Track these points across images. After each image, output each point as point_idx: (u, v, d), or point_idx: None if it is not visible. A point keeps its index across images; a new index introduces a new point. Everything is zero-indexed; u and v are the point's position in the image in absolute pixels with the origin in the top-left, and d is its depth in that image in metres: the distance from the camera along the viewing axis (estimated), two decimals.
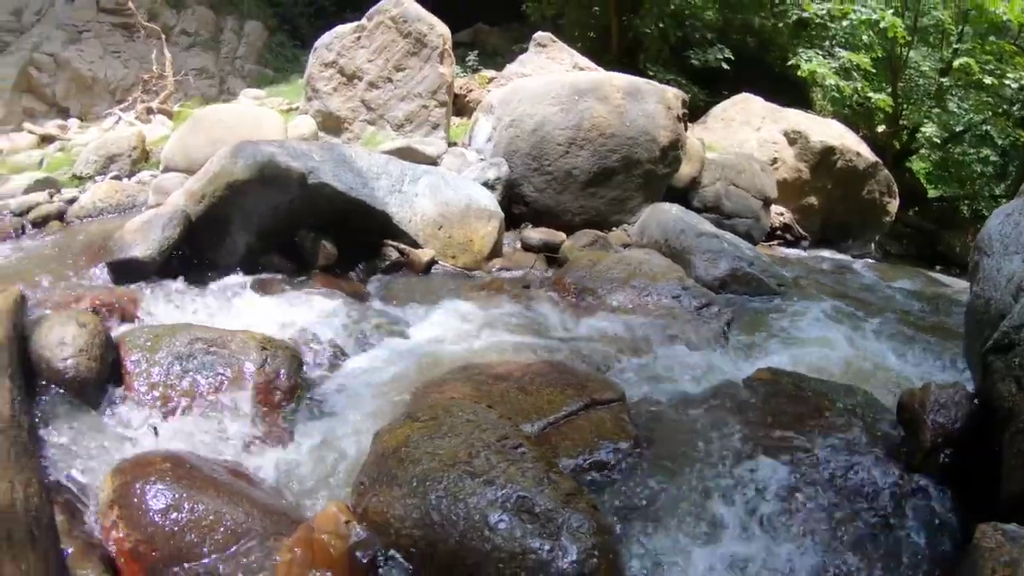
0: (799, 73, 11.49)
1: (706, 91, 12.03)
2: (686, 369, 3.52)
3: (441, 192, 5.13)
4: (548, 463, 2.23)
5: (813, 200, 9.68)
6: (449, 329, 3.89)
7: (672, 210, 6.14)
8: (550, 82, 6.48)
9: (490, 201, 5.42)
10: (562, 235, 5.94)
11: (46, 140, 10.77)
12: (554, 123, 6.16)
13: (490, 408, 2.59)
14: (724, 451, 2.61)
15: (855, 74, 11.68)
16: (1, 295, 3.04)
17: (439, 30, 6.74)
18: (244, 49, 16.74)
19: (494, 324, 4.00)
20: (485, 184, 5.75)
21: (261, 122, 5.33)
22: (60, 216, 5.50)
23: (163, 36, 11.04)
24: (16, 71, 14.75)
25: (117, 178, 6.52)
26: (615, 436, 2.69)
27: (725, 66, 11.78)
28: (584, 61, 9.44)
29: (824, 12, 12.00)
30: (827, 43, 12.31)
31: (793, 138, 9.64)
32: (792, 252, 8.57)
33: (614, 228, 6.32)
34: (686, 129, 7.22)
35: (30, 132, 11.21)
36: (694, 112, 11.42)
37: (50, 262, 4.37)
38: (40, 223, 5.44)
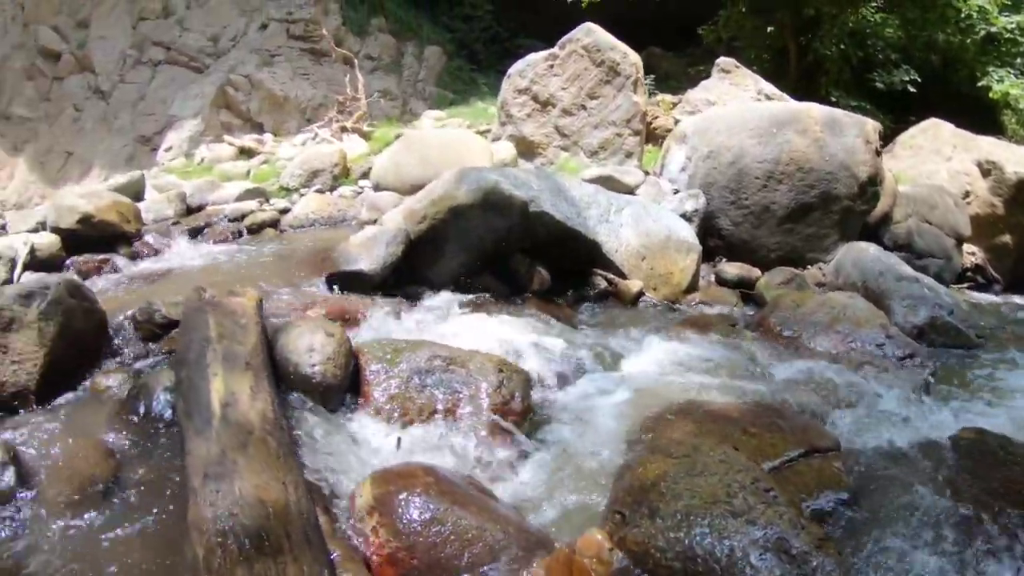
0: (990, 95, 10.83)
1: (890, 116, 11.53)
2: (891, 421, 3.42)
3: (643, 223, 5.15)
4: (797, 508, 2.28)
5: (1007, 239, 9.06)
6: (662, 363, 3.89)
7: (870, 250, 5.91)
8: (747, 112, 6.38)
9: (689, 233, 5.39)
10: (757, 271, 5.84)
11: (244, 152, 11.55)
12: (752, 155, 6.06)
13: (736, 450, 2.61)
14: (937, 512, 2.53)
15: None
16: (246, 297, 3.22)
17: (631, 59, 6.79)
18: (424, 73, 17.44)
19: (705, 361, 3.97)
20: (683, 216, 5.72)
21: (468, 146, 5.53)
22: (274, 224, 5.83)
23: (355, 60, 11.52)
24: (215, 89, 15.90)
25: (320, 192, 6.89)
26: (834, 485, 2.66)
27: (911, 88, 11.28)
28: (769, 87, 9.25)
29: (1013, 25, 11.30)
30: (1019, 60, 11.56)
31: (987, 169, 9.08)
32: (984, 297, 8.02)
33: (809, 266, 6.15)
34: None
35: (230, 144, 12.09)
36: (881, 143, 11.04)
37: (273, 268, 4.60)
38: (255, 229, 5.76)
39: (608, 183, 5.87)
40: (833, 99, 11.37)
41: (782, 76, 13.04)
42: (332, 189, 7.05)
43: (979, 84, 11.04)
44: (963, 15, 11.52)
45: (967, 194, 9.00)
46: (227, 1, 17.57)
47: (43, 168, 16.99)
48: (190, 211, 6.56)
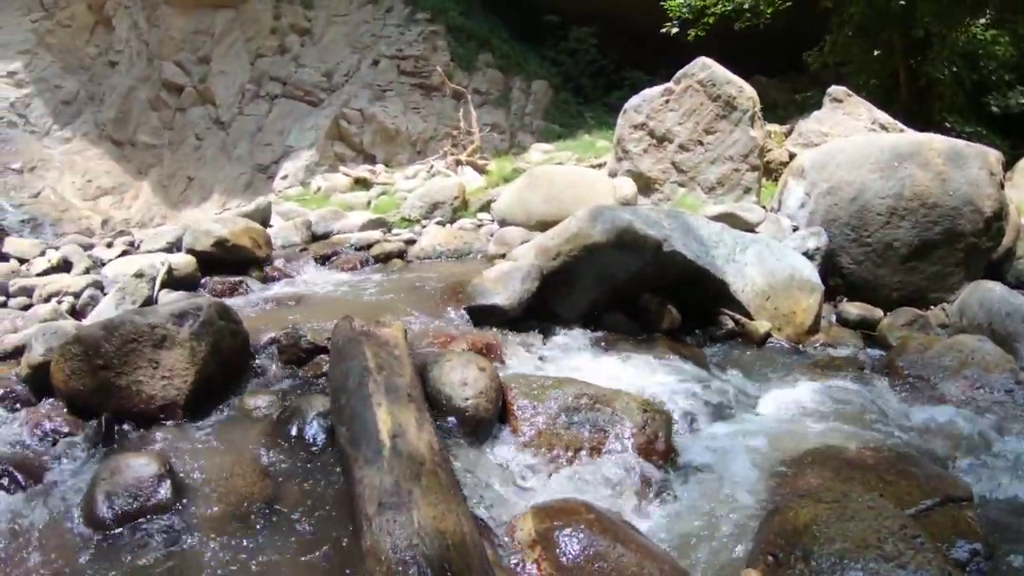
0: None
1: (1008, 141, 11.15)
2: (1022, 471, 3.36)
3: (767, 261, 5.17)
4: (943, 555, 2.32)
5: None
6: (794, 406, 3.89)
7: (996, 289, 5.75)
8: (866, 145, 6.31)
9: (812, 272, 5.38)
10: (880, 312, 5.76)
11: (358, 182, 11.99)
12: (874, 191, 5.98)
13: (882, 496, 2.65)
14: None
15: None
16: (395, 327, 3.33)
17: (748, 93, 6.83)
18: (532, 106, 17.76)
19: (836, 405, 3.95)
20: (805, 254, 5.70)
21: (593, 183, 5.67)
22: (401, 255, 5.99)
23: (468, 94, 11.84)
24: (329, 122, 16.58)
25: (440, 223, 7.14)
26: (968, 535, 2.68)
27: None
28: (883, 116, 9.12)
29: None
30: None
31: None
32: None
33: (932, 306, 6.03)
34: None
35: (345, 175, 12.56)
36: None
37: (405, 298, 4.72)
38: (382, 259, 5.93)
39: (730, 220, 5.90)
40: (948, 125, 11.09)
41: (893, 101, 12.74)
42: (452, 221, 7.29)
43: None
44: None
45: None
46: (340, 39, 18.33)
47: (166, 191, 17.97)
48: (315, 238, 6.87)
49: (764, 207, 7.07)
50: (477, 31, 18.30)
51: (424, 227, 7.06)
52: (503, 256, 5.24)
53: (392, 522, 2.19)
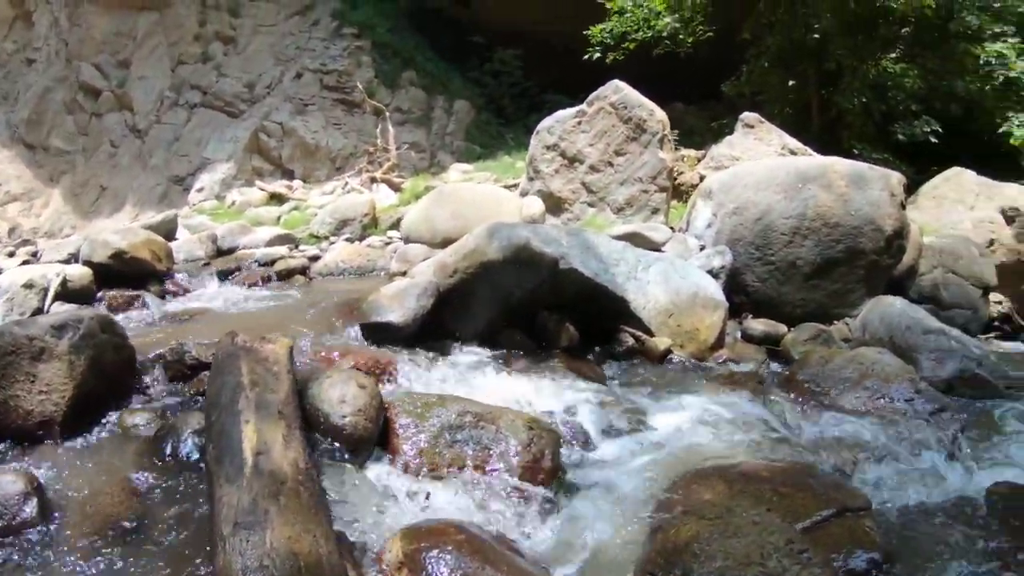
0: (1011, 141, 10.84)
1: (913, 167, 11.55)
2: (922, 478, 3.41)
3: (671, 279, 5.19)
4: (831, 569, 2.34)
5: None
6: (691, 422, 3.88)
7: (896, 304, 5.90)
8: (773, 168, 6.43)
9: (716, 290, 5.42)
10: (783, 327, 5.84)
11: (274, 197, 11.82)
12: (778, 211, 6.09)
13: (769, 511, 2.66)
14: (968, 570, 2.58)
15: None
16: (278, 344, 3.23)
17: (658, 116, 6.90)
18: (453, 126, 17.78)
19: (733, 420, 3.96)
20: (710, 272, 5.75)
21: (499, 201, 5.63)
22: (304, 271, 5.90)
23: (387, 112, 11.76)
24: (248, 135, 16.33)
25: (349, 240, 7.03)
26: (866, 545, 2.65)
27: (933, 139, 11.33)
28: (793, 142, 9.32)
29: None
30: None
31: (1011, 216, 9.09)
32: (1012, 346, 7.99)
33: (835, 321, 6.15)
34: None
35: (261, 189, 12.36)
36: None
37: (303, 314, 4.64)
38: (285, 275, 5.84)
39: (635, 240, 5.93)
40: (856, 152, 11.42)
41: (805, 130, 13.08)
42: (361, 238, 7.19)
43: (1000, 130, 11.05)
44: (982, 62, 11.60)
45: (992, 242, 8.99)
46: (264, 49, 18.08)
47: (77, 200, 17.42)
48: (220, 253, 6.71)
49: (672, 228, 7.14)
50: (402, 49, 18.29)
51: (332, 243, 6.95)
52: (404, 273, 5.18)
53: (245, 542, 2.14)
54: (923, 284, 7.57)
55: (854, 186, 6.20)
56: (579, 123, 7.15)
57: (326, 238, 7.05)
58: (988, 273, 7.91)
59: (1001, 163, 11.55)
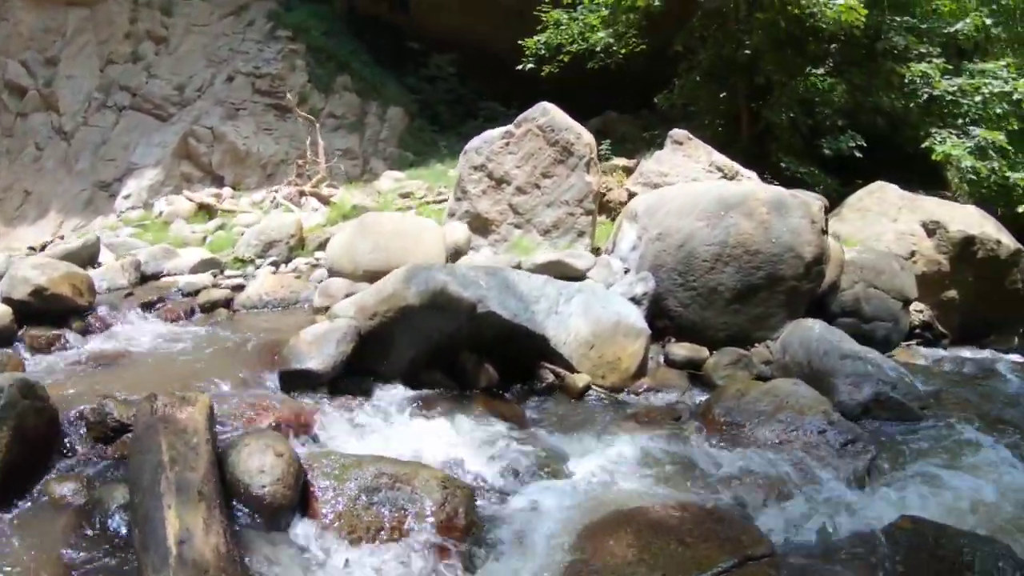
0: (933, 156, 11.23)
1: (838, 179, 11.87)
2: (829, 514, 3.51)
3: (593, 310, 5.27)
4: None
5: (953, 293, 9.37)
6: (607, 466, 3.95)
7: (815, 328, 6.06)
8: (696, 195, 6.55)
9: (638, 318, 5.52)
10: (705, 352, 5.98)
11: (202, 208, 11.60)
12: (700, 239, 6.23)
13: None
14: None
15: (991, 152, 11.25)
16: (197, 405, 3.20)
17: (585, 139, 6.97)
18: (386, 133, 17.65)
19: (649, 460, 4.06)
20: (633, 299, 5.85)
21: (421, 232, 5.62)
22: (227, 303, 5.81)
23: (317, 124, 11.63)
24: (177, 139, 15.98)
25: (275, 264, 6.95)
26: None
27: (858, 154, 11.65)
28: (720, 158, 9.51)
29: (955, 88, 11.72)
30: (960, 120, 11.99)
31: (931, 229, 9.41)
32: (931, 352, 8.32)
33: (756, 344, 6.31)
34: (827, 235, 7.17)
35: (188, 199, 12.10)
36: (828, 202, 11.33)
37: (223, 359, 4.61)
38: (208, 308, 5.75)
39: (559, 268, 6.01)
40: (783, 166, 11.71)
41: (735, 141, 13.36)
42: (287, 261, 7.12)
43: (923, 146, 11.42)
44: (907, 80, 11.99)
45: (913, 253, 9.29)
46: (197, 50, 17.69)
47: (0, 205, 16.82)
48: (144, 279, 6.58)
49: (599, 249, 7.24)
50: (337, 53, 18.11)
51: (258, 267, 6.87)
52: (327, 309, 5.18)
53: None
54: (845, 299, 7.80)
55: (775, 213, 6.36)
56: (507, 144, 7.18)
57: (251, 261, 6.93)
58: (908, 286, 8.18)
59: (924, 173, 11.98)
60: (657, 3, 11.20)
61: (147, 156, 16.04)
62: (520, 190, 7.09)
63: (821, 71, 12.60)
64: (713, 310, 6.25)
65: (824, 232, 6.76)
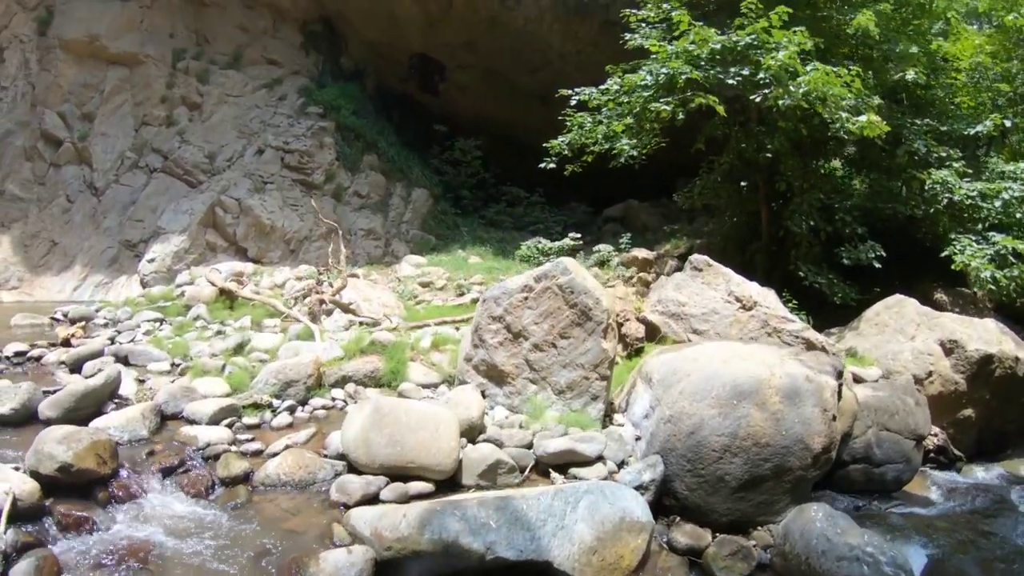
0: (952, 267, 11.31)
1: (856, 287, 11.96)
2: None
3: (598, 510, 5.38)
4: None
5: (969, 412, 9.48)
6: None
7: (816, 520, 6.09)
8: (711, 375, 6.63)
9: (643, 512, 5.61)
10: (708, 537, 6.09)
11: (224, 293, 11.78)
12: (711, 428, 6.35)
13: None
14: None
15: (1011, 259, 11.33)
16: None
17: (604, 305, 7.09)
18: (410, 214, 18.11)
19: None
20: (640, 487, 5.99)
21: (439, 427, 5.72)
22: (246, 477, 5.89)
23: (339, 230, 11.83)
24: (205, 208, 16.34)
25: (291, 409, 7.06)
26: None
27: (877, 264, 11.73)
28: (739, 288, 9.54)
29: (975, 193, 11.83)
30: (979, 225, 12.06)
31: (949, 348, 9.52)
32: (945, 479, 8.43)
33: (759, 527, 6.40)
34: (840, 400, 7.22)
35: (211, 283, 12.28)
36: (846, 313, 11.41)
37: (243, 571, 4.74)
38: (229, 482, 5.83)
39: (570, 456, 6.15)
40: (802, 275, 11.83)
41: (755, 238, 13.55)
42: (304, 402, 7.26)
43: (943, 254, 11.46)
44: (927, 187, 12.10)
45: (930, 374, 9.41)
46: (229, 120, 18.07)
47: (26, 251, 17.15)
48: (164, 419, 6.70)
49: (612, 404, 7.35)
50: (366, 132, 18.46)
51: (276, 412, 7.00)
52: (344, 505, 5.38)
53: None
54: (856, 447, 7.93)
55: (788, 402, 6.47)
56: (526, 299, 7.31)
57: (269, 406, 7.05)
58: (923, 423, 8.30)
59: (944, 275, 12.09)
60: (681, 116, 11.36)
61: (174, 222, 16.33)
62: (537, 347, 7.22)
63: (839, 166, 12.80)
64: (718, 496, 6.35)
65: (835, 418, 6.83)
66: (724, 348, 7.35)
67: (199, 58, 18.58)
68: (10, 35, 18.61)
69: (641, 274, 13.86)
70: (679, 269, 13.43)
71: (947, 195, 11.93)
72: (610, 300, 7.35)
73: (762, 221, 13.34)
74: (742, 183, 13.43)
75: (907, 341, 10.01)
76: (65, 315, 11.96)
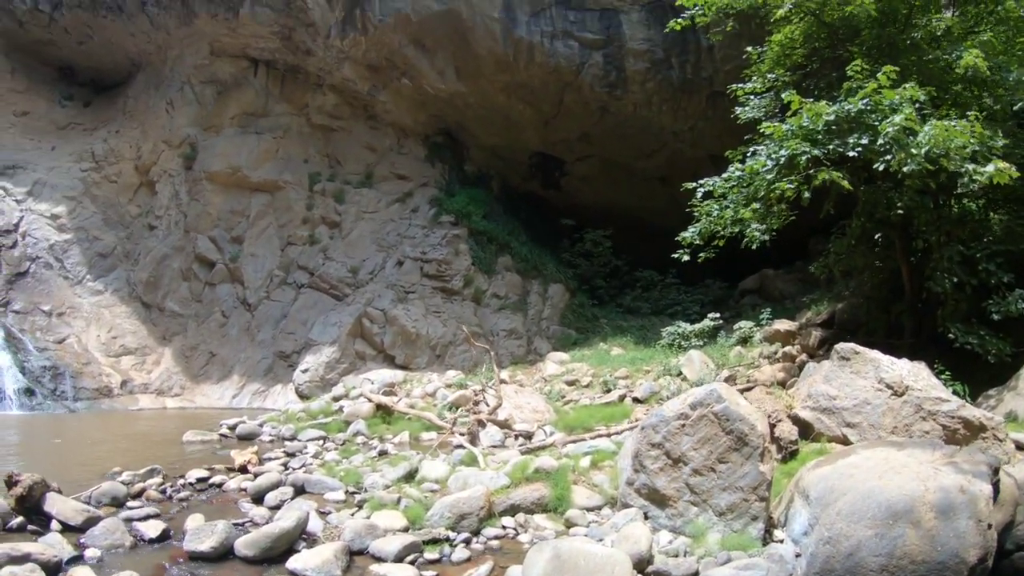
0: None
1: (1010, 340, 11.48)
2: None
3: None
4: None
5: None
6: None
7: None
8: (866, 496, 6.72)
9: None
10: None
11: (380, 408, 12.48)
12: (869, 549, 6.47)
13: None
14: None
15: None
16: None
17: (759, 430, 7.35)
18: (548, 311, 18.76)
19: None
20: None
21: (614, 570, 6.11)
22: None
23: (492, 352, 12.42)
24: (352, 320, 17.35)
25: (467, 541, 7.55)
26: None
27: None
28: (889, 372, 9.40)
29: None
30: None
31: None
32: None
33: None
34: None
35: (367, 399, 12.97)
36: (1000, 371, 11.06)
37: None
38: None
39: None
40: (951, 336, 11.43)
41: (898, 297, 13.16)
42: (477, 532, 7.73)
43: None
44: None
45: None
46: (367, 235, 19.22)
47: (187, 362, 18.61)
48: (352, 555, 7.17)
49: (771, 516, 7.51)
50: (498, 235, 19.14)
51: (453, 546, 7.43)
52: None
53: None
54: (1019, 535, 7.70)
55: (941, 517, 6.54)
56: (683, 426, 7.65)
57: (447, 539, 7.54)
58: None
59: None
60: (807, 194, 11.28)
61: (324, 334, 17.44)
62: (696, 472, 7.52)
63: (974, 207, 12.31)
64: None
65: (990, 527, 6.78)
66: (878, 459, 7.40)
67: (333, 179, 19.91)
68: (159, 170, 20.54)
69: (786, 348, 13.74)
70: (824, 340, 13.31)
71: None
72: (763, 422, 7.57)
73: (903, 278, 12.97)
74: (877, 240, 13.15)
75: None
76: (232, 429, 12.86)
